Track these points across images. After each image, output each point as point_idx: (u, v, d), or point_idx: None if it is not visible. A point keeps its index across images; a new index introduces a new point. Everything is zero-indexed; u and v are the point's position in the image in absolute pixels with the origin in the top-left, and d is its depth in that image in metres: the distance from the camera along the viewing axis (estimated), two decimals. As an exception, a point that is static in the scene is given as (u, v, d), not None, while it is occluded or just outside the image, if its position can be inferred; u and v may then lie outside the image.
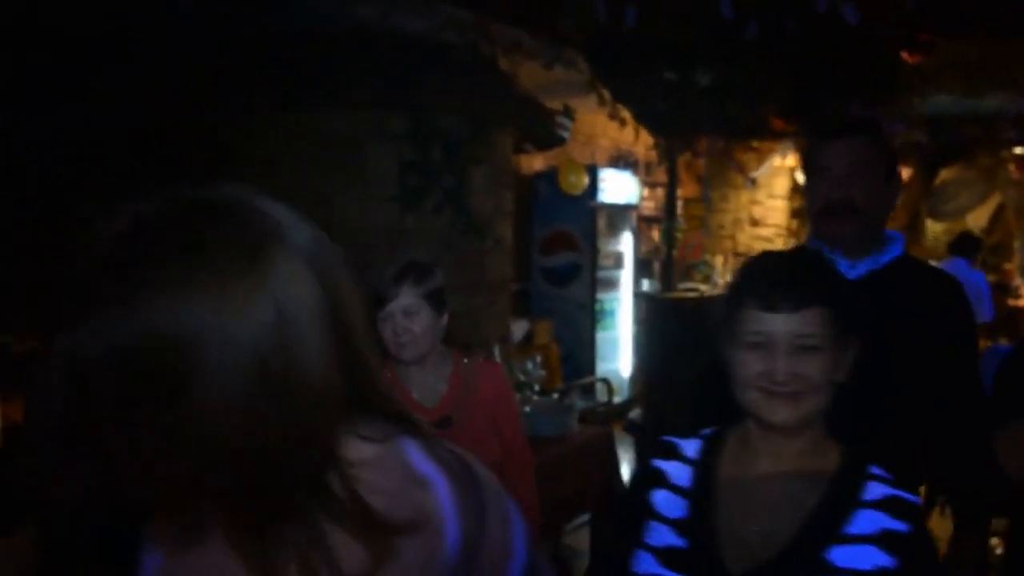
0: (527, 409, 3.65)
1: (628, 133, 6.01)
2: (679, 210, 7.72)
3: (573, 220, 6.91)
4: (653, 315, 5.78)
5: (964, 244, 6.67)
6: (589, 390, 6.52)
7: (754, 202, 9.57)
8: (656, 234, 8.22)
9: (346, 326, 0.75)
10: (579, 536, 4.00)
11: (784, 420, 1.18)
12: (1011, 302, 8.53)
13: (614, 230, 7.32)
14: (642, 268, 7.90)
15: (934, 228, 9.65)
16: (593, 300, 7.01)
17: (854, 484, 1.18)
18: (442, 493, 0.82)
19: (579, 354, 6.94)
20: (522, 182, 6.57)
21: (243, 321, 0.66)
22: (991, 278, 7.89)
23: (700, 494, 1.24)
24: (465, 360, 2.22)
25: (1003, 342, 5.85)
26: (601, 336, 7.13)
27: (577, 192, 6.64)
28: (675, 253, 7.31)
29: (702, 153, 7.64)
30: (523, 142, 5.35)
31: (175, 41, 3.99)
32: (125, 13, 3.84)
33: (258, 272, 0.68)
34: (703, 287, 7.54)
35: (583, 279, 6.99)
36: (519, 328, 5.75)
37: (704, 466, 1.27)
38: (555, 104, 5.05)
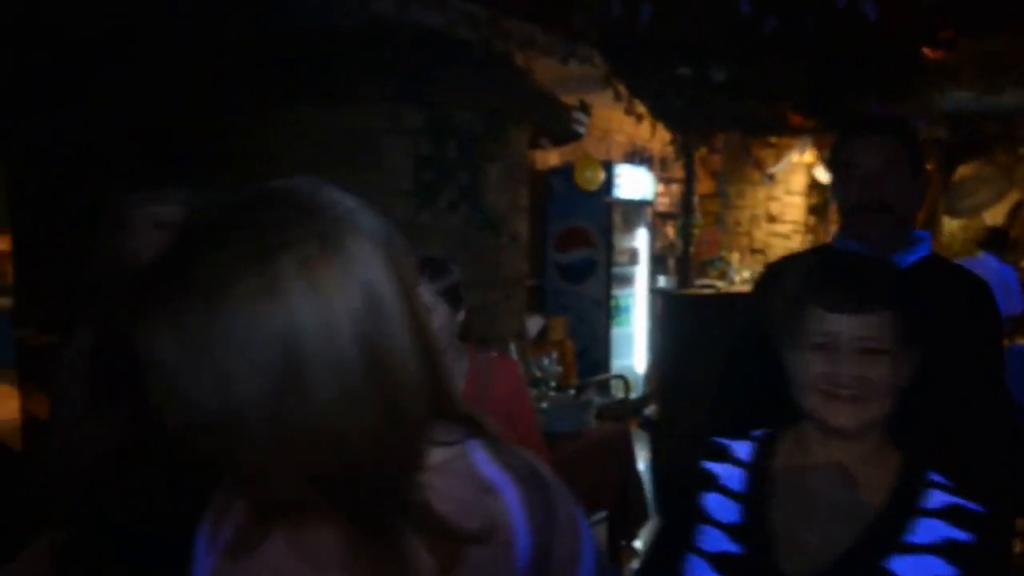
0: (544, 405, 3.64)
1: (644, 129, 5.98)
2: (695, 206, 7.69)
3: (588, 216, 6.88)
4: (668, 311, 5.75)
5: (994, 239, 6.66)
6: (605, 386, 6.50)
7: (771, 198, 9.50)
8: (671, 230, 8.19)
9: (418, 316, 0.75)
10: (596, 532, 3.98)
11: (845, 424, 1.14)
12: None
13: (629, 226, 7.30)
14: (657, 264, 7.88)
15: (950, 225, 9.55)
16: (608, 296, 6.98)
17: (915, 492, 1.15)
18: (511, 500, 0.78)
19: (594, 350, 6.92)
20: (537, 178, 6.54)
21: (334, 307, 0.66)
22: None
23: (754, 498, 1.20)
24: (480, 356, 2.21)
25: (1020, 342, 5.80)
26: (616, 332, 7.11)
27: (592, 188, 6.62)
28: (691, 249, 7.28)
29: (719, 149, 7.60)
30: (538, 137, 5.33)
31: (175, 41, 3.99)
32: (125, 13, 3.85)
33: (341, 256, 0.68)
34: (719, 283, 7.49)
35: (598, 275, 6.96)
36: (534, 324, 5.74)
37: (758, 469, 1.23)
38: (571, 99, 5.03)
